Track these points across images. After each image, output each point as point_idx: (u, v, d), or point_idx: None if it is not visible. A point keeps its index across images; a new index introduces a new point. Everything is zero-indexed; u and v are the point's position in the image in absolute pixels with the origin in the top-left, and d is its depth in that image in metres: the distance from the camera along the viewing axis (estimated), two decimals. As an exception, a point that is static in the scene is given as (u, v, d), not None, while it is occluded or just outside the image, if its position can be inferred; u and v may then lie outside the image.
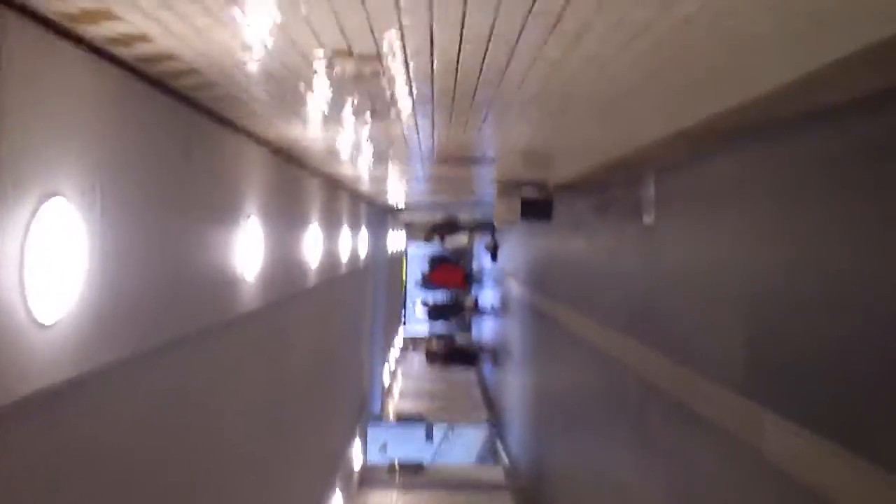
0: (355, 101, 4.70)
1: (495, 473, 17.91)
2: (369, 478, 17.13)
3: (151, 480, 4.25)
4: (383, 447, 19.13)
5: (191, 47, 3.24)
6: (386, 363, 23.38)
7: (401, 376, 28.86)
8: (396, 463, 18.23)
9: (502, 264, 21.13)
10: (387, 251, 21.84)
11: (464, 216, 22.09)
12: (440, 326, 34.05)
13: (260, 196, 6.33)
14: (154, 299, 4.08)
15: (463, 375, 28.96)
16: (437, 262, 32.56)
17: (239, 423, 6.32)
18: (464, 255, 34.54)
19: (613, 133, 5.79)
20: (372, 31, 3.03)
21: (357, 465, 16.49)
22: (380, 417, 21.02)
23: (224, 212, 5.41)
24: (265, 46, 3.23)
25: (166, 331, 4.29)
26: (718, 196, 5.20)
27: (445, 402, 24.67)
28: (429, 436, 19.91)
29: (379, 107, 4.82)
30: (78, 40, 3.07)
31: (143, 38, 3.07)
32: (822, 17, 2.66)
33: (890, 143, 3.30)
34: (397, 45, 3.16)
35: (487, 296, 27.74)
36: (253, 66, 3.65)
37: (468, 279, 31.79)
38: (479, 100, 4.50)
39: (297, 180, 8.32)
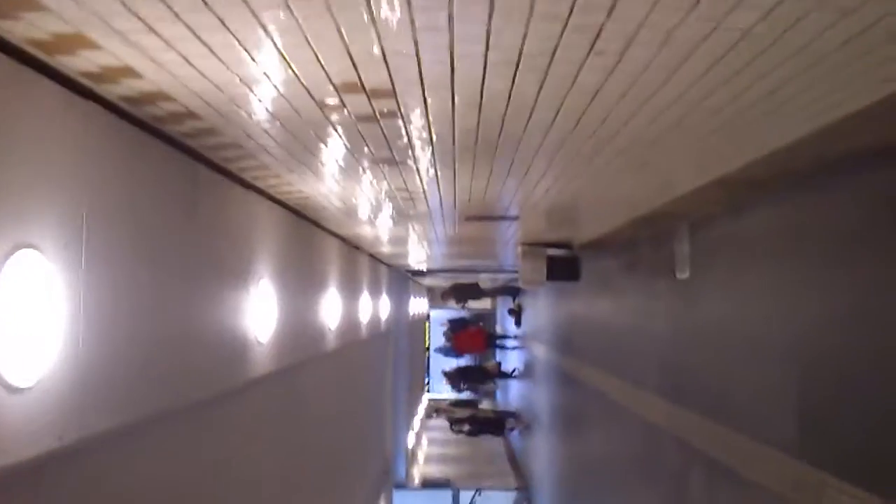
0: (371, 149, 4.38)
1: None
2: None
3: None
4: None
5: (183, 84, 2.92)
6: (410, 428, 22.95)
7: (425, 441, 28.33)
8: None
9: (527, 328, 20.75)
10: (408, 315, 21.56)
11: (485, 281, 21.82)
12: (464, 392, 33.38)
13: (274, 256, 6.06)
14: (153, 363, 3.78)
15: (489, 440, 28.38)
16: (458, 327, 31.90)
17: (254, 490, 6.02)
18: (485, 318, 34.05)
19: (646, 183, 5.48)
20: (385, 60, 2.71)
21: (381, 534, 16.02)
22: (405, 484, 20.55)
23: (234, 273, 5.11)
24: (266, 75, 2.90)
25: (167, 397, 3.99)
26: (761, 247, 5.07)
27: (472, 467, 24.12)
28: (455, 501, 19.66)
29: (397, 154, 4.49)
30: (60, 77, 2.77)
31: (128, 72, 2.76)
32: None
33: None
34: (413, 72, 2.82)
35: (511, 359, 27.30)
36: (254, 103, 3.32)
37: (490, 341, 31.19)
38: (504, 142, 4.17)
39: (315, 241, 8.13)
